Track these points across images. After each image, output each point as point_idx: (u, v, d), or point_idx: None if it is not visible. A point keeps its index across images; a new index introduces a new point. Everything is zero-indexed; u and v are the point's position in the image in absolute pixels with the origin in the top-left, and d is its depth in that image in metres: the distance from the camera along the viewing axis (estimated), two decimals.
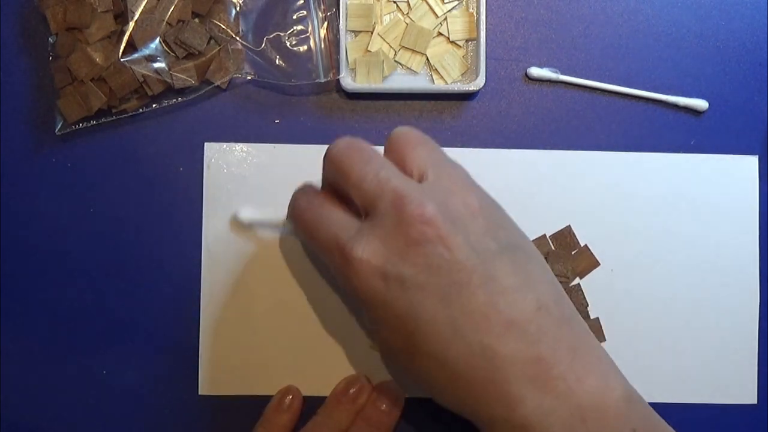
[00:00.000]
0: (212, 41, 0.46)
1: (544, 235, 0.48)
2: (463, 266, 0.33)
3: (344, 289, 0.36)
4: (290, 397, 0.45)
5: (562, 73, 0.48)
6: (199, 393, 0.47)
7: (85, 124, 0.46)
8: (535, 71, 0.48)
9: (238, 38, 0.47)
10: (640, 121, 0.48)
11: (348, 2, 0.47)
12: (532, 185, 0.48)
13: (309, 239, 0.38)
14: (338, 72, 0.47)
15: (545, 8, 0.49)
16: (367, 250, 0.34)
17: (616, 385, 0.35)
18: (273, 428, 0.45)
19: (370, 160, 0.36)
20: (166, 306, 0.47)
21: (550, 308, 0.34)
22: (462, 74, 0.47)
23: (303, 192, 0.40)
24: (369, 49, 0.47)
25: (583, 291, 0.47)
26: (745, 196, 0.48)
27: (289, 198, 0.47)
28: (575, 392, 0.33)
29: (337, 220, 0.36)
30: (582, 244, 0.48)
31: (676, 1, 0.49)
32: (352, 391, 0.45)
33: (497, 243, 0.35)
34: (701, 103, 0.48)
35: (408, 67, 0.48)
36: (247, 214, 0.46)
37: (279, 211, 0.45)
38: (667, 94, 0.48)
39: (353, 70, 0.47)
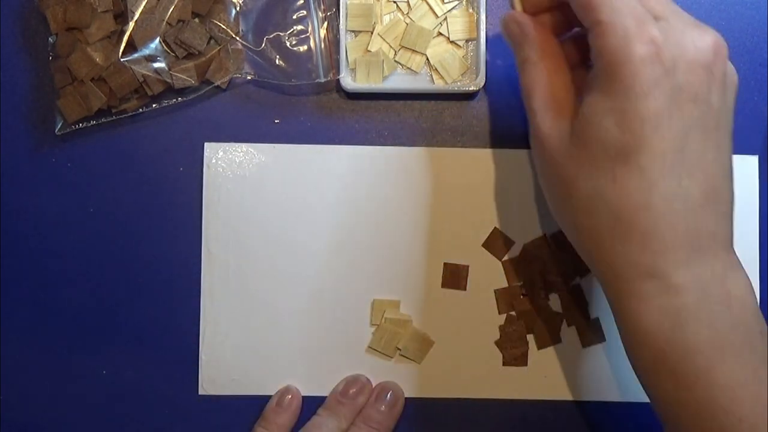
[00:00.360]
0: (212, 41, 0.46)
1: (544, 235, 0.48)
2: (716, 116, 0.34)
3: (606, 47, 0.33)
4: (289, 396, 0.45)
5: None
6: (199, 393, 0.47)
7: (85, 124, 0.46)
8: None
9: (238, 38, 0.47)
10: None
11: (348, 2, 0.47)
12: (532, 185, 0.48)
13: None
14: (338, 72, 0.47)
15: None
16: (662, 36, 0.33)
17: (754, 295, 0.36)
18: (272, 427, 0.45)
19: None
20: (166, 306, 0.47)
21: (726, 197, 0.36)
22: (462, 74, 0.47)
23: None
24: (369, 49, 0.47)
25: (583, 291, 0.47)
26: (745, 196, 0.48)
27: (290, 196, 0.47)
28: (728, 278, 0.35)
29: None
30: None
31: (676, 1, 0.49)
32: (352, 391, 0.45)
33: (733, 124, 0.36)
34: None
35: (408, 67, 0.48)
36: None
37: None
38: None
39: (353, 70, 0.47)
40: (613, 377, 0.47)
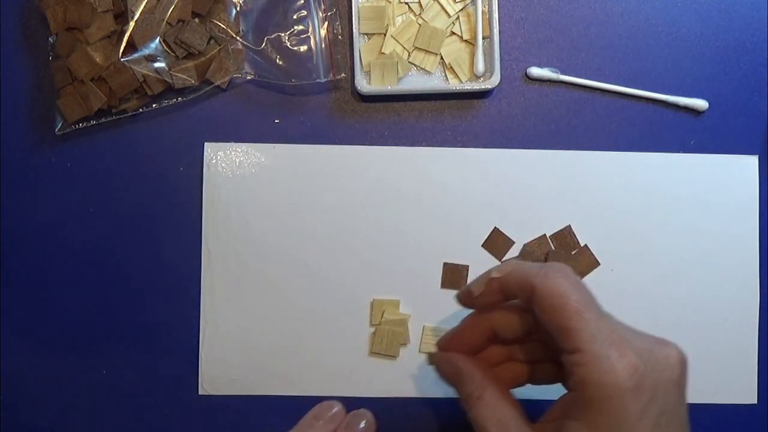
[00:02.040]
0: (212, 41, 0.46)
1: (544, 235, 0.48)
2: (682, 420, 0.34)
3: (588, 378, 0.33)
4: (334, 410, 0.41)
5: (562, 73, 0.48)
6: (199, 393, 0.47)
7: (85, 124, 0.46)
8: (535, 71, 0.48)
9: (238, 38, 0.47)
10: (640, 121, 0.48)
11: (360, 5, 0.47)
12: (532, 185, 0.48)
13: (572, 312, 0.34)
14: (338, 72, 0.47)
15: (545, 8, 0.49)
16: (643, 364, 0.33)
17: None
18: None
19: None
20: (166, 306, 0.47)
21: None
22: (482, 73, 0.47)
23: (569, 268, 0.36)
24: (383, 51, 0.47)
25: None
26: (745, 196, 0.48)
27: (290, 196, 0.47)
28: None
29: (611, 319, 0.35)
30: (582, 244, 0.48)
31: (676, 1, 0.49)
32: (328, 415, 0.43)
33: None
34: (701, 103, 0.48)
35: (422, 68, 0.48)
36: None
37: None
38: (667, 94, 0.48)
39: (368, 73, 0.47)
40: None
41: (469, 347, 0.39)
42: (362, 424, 0.41)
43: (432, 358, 0.41)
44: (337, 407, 0.41)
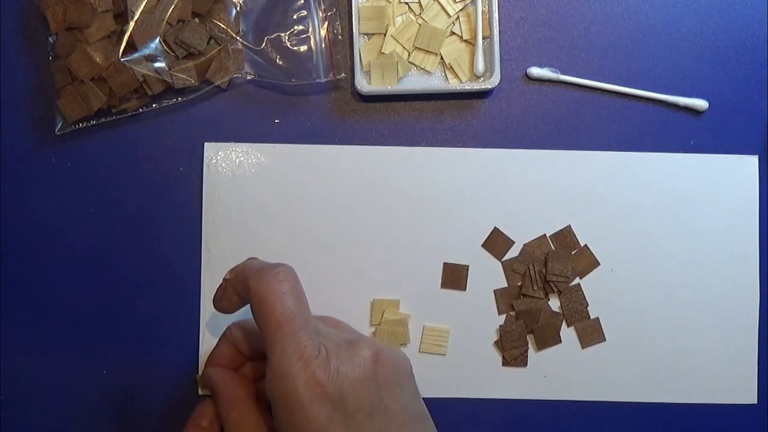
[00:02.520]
0: (212, 41, 0.46)
1: (544, 235, 0.48)
2: (397, 419, 0.35)
3: (277, 390, 0.34)
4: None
5: (562, 73, 0.48)
6: (199, 393, 0.47)
7: (85, 124, 0.46)
8: (535, 71, 0.48)
9: (238, 38, 0.47)
10: (640, 121, 0.48)
11: (360, 5, 0.47)
12: (532, 185, 0.48)
13: (271, 320, 0.34)
14: (339, 72, 0.47)
15: (545, 8, 0.49)
16: (325, 374, 0.34)
17: None
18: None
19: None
20: (166, 306, 0.47)
21: None
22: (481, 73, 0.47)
23: (287, 270, 0.36)
24: (383, 51, 0.47)
25: (583, 291, 0.47)
26: (745, 196, 0.48)
27: (290, 196, 0.47)
28: None
29: (310, 325, 0.35)
30: (582, 244, 0.48)
31: (676, 1, 0.49)
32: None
33: (420, 408, 0.38)
34: (701, 103, 0.48)
35: (422, 68, 0.48)
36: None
37: None
38: (667, 94, 0.48)
39: (368, 73, 0.47)
40: (613, 377, 0.47)
41: (227, 363, 0.40)
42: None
43: (200, 379, 0.43)
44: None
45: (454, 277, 0.47)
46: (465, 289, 0.47)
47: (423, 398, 0.47)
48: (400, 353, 0.38)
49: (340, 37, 0.47)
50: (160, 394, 0.47)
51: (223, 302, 0.38)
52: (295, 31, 0.47)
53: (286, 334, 0.34)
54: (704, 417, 0.47)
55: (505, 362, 0.47)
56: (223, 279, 0.38)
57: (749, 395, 0.47)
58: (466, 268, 0.47)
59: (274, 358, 0.34)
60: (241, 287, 0.36)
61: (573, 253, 0.48)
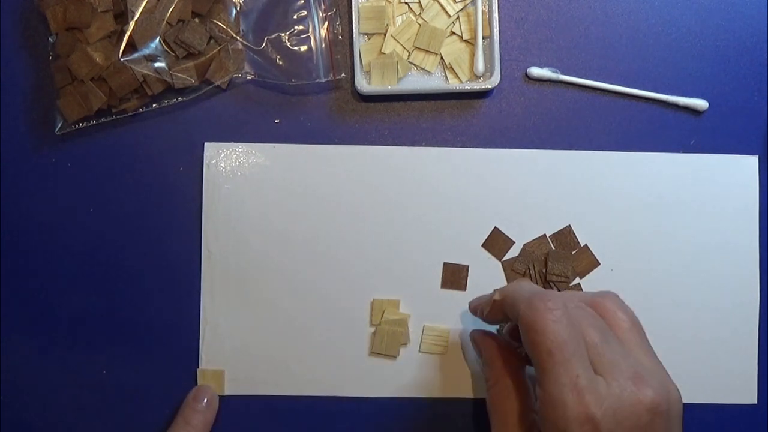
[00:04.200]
0: (212, 41, 0.46)
1: (544, 235, 0.48)
2: None
3: (548, 419, 0.33)
4: (206, 399, 0.46)
5: (562, 73, 0.48)
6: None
7: (85, 123, 0.46)
8: (535, 71, 0.48)
9: (238, 38, 0.47)
10: (640, 121, 0.48)
11: (360, 5, 0.47)
12: (532, 185, 0.48)
13: (542, 347, 0.34)
14: (339, 72, 0.47)
15: (545, 8, 0.49)
16: (600, 411, 0.33)
17: None
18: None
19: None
20: (166, 306, 0.47)
21: None
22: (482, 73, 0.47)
23: (557, 296, 0.35)
24: (383, 51, 0.47)
25: (583, 291, 0.47)
26: (745, 196, 0.48)
27: (290, 196, 0.47)
28: None
29: (581, 355, 0.34)
30: (582, 244, 0.48)
31: (676, 1, 0.49)
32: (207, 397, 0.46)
33: None
34: (701, 103, 0.48)
35: (422, 68, 0.48)
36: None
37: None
38: (667, 94, 0.48)
39: (368, 73, 0.47)
40: None
41: (493, 321, 0.41)
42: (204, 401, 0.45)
43: (471, 335, 0.44)
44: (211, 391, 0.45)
45: (454, 277, 0.47)
46: (465, 289, 0.47)
47: (422, 398, 0.47)
48: (677, 395, 0.36)
49: (340, 37, 0.47)
50: (160, 394, 0.47)
51: (490, 317, 0.39)
52: (295, 31, 0.47)
53: (557, 363, 0.33)
54: (704, 417, 0.47)
55: None
56: (491, 299, 0.39)
57: (749, 395, 0.47)
58: (466, 268, 0.47)
59: (547, 385, 0.33)
60: (509, 310, 0.36)
61: (573, 253, 0.47)
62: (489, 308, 0.39)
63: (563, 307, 0.35)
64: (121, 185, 0.48)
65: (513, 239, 0.47)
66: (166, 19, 0.45)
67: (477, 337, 0.43)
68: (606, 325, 0.36)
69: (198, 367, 0.47)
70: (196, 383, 0.47)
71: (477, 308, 0.42)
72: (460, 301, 0.47)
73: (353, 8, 0.47)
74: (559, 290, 0.47)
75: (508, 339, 0.42)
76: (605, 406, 0.33)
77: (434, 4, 0.48)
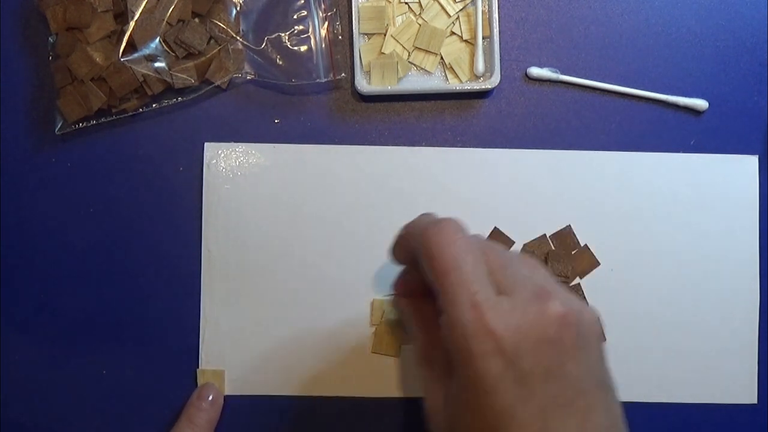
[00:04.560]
0: (212, 41, 0.46)
1: (544, 235, 0.48)
2: (576, 385, 0.32)
3: (450, 341, 0.32)
4: (210, 396, 0.46)
5: (562, 73, 0.48)
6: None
7: (85, 123, 0.46)
8: (535, 71, 0.48)
9: (238, 38, 0.47)
10: (640, 121, 0.48)
11: (360, 5, 0.47)
12: (532, 185, 0.48)
13: (438, 270, 0.33)
14: (339, 72, 0.47)
15: (545, 8, 0.49)
16: (502, 325, 0.31)
17: None
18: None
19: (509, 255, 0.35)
20: (166, 306, 0.47)
21: None
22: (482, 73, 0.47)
23: (453, 222, 0.35)
24: (383, 51, 0.47)
25: (583, 291, 0.47)
26: (745, 196, 0.48)
27: (290, 196, 0.47)
28: None
29: (480, 272, 0.33)
30: (582, 244, 0.48)
31: (676, 1, 0.49)
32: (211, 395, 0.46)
33: (604, 376, 0.34)
34: (701, 103, 0.48)
35: (422, 68, 0.48)
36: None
37: None
38: (667, 94, 0.48)
39: (368, 73, 0.47)
40: (612, 377, 0.47)
41: (414, 292, 0.40)
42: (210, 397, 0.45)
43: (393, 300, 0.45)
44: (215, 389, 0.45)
45: None
46: None
47: (422, 398, 0.47)
48: (591, 315, 0.34)
49: (340, 37, 0.47)
50: (160, 394, 0.47)
51: (399, 256, 0.38)
52: (295, 31, 0.47)
53: (455, 283, 0.32)
54: (704, 417, 0.47)
55: None
56: (397, 237, 0.37)
57: (749, 395, 0.47)
58: None
59: (447, 307, 0.32)
60: (412, 243, 0.35)
61: (573, 253, 0.48)
62: (396, 246, 0.38)
63: (459, 231, 0.34)
64: (121, 185, 0.48)
65: (513, 239, 0.47)
66: (166, 19, 0.45)
67: (395, 300, 0.41)
68: (511, 252, 0.35)
69: (198, 367, 0.47)
70: (196, 383, 0.47)
71: (390, 250, 0.40)
72: None
73: (353, 8, 0.47)
74: None
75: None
76: (507, 321, 0.31)
77: (434, 4, 0.48)
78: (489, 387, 0.31)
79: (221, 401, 0.46)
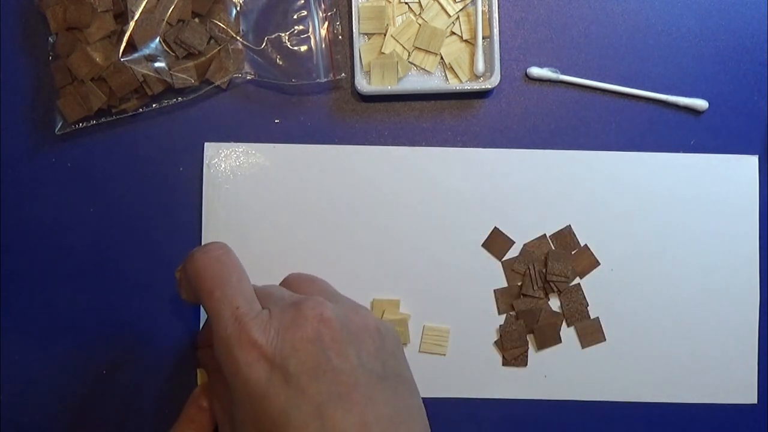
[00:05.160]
0: (212, 41, 0.46)
1: (544, 235, 0.48)
2: (348, 379, 0.33)
3: (218, 357, 0.33)
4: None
5: (562, 73, 0.48)
6: None
7: (85, 124, 0.46)
8: (535, 71, 0.48)
9: (238, 38, 0.47)
10: (640, 121, 0.48)
11: (360, 5, 0.47)
12: (532, 185, 0.48)
13: (204, 289, 0.35)
14: (339, 72, 0.47)
15: (545, 8, 0.49)
16: (263, 332, 0.33)
17: None
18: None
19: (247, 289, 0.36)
20: (166, 306, 0.47)
21: None
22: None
23: (219, 244, 0.37)
24: (383, 51, 0.47)
25: (583, 291, 0.47)
26: (745, 196, 0.48)
27: (290, 196, 0.47)
28: None
29: (244, 289, 0.35)
30: (582, 244, 0.48)
31: (676, 1, 0.49)
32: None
33: (384, 368, 0.35)
34: (701, 103, 0.48)
35: (422, 68, 0.48)
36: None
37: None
38: (667, 94, 0.48)
39: (368, 73, 0.47)
40: (613, 377, 0.47)
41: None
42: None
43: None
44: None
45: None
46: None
47: (423, 398, 0.47)
48: (361, 313, 0.36)
49: (340, 37, 0.47)
50: (160, 394, 0.47)
51: (183, 293, 0.39)
52: (295, 31, 0.47)
53: (218, 300, 0.34)
54: (704, 417, 0.47)
55: (505, 362, 0.47)
56: (177, 271, 0.38)
57: (749, 395, 0.47)
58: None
59: (214, 325, 0.34)
60: (184, 274, 0.37)
61: (573, 253, 0.48)
62: (178, 284, 0.39)
63: (223, 249, 0.35)
64: (121, 185, 0.48)
65: (513, 239, 0.47)
66: (166, 19, 0.45)
67: (199, 353, 0.42)
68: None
69: (198, 367, 0.47)
70: (197, 384, 0.47)
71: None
72: (460, 301, 0.47)
73: (353, 8, 0.47)
74: (559, 290, 0.47)
75: None
76: (267, 328, 0.33)
77: (434, 4, 0.48)
78: (260, 394, 0.32)
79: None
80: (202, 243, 0.47)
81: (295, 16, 0.47)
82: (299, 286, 0.38)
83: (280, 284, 0.39)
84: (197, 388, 0.43)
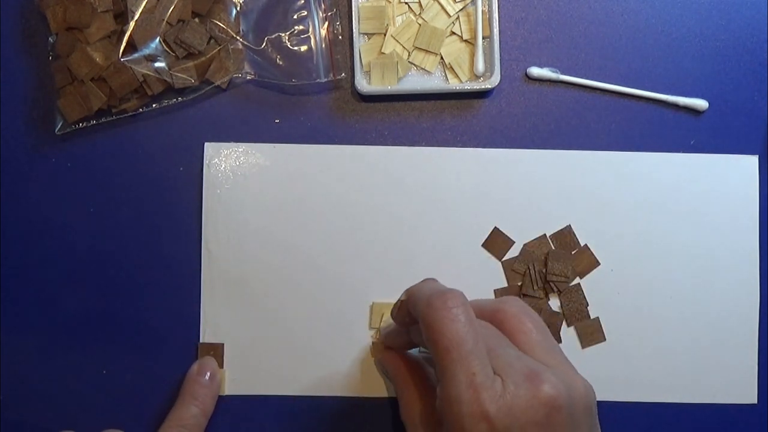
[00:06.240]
0: (212, 41, 0.46)
1: (544, 235, 0.48)
2: None
3: (445, 414, 0.34)
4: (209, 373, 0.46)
5: (562, 73, 0.48)
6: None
7: (85, 124, 0.46)
8: (535, 71, 0.48)
9: (238, 38, 0.47)
10: (640, 121, 0.48)
11: (360, 5, 0.47)
12: (532, 185, 0.48)
13: (440, 346, 0.34)
14: (339, 72, 0.47)
15: (545, 8, 0.49)
16: (495, 407, 0.33)
17: None
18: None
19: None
20: (166, 306, 0.47)
21: None
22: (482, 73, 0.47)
23: (457, 295, 0.36)
24: (383, 51, 0.47)
25: (583, 291, 0.47)
26: (745, 196, 0.48)
27: (290, 196, 0.47)
28: None
29: (480, 352, 0.34)
30: (582, 244, 0.48)
31: (676, 1, 0.49)
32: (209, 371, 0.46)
33: None
34: (701, 103, 0.48)
35: (422, 68, 0.48)
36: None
37: None
38: (667, 94, 0.48)
39: (368, 73, 0.47)
40: (613, 377, 0.47)
41: (400, 347, 0.44)
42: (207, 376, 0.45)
43: (375, 356, 0.47)
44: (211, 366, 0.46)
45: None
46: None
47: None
48: (582, 389, 0.36)
49: (340, 37, 0.48)
50: (160, 394, 0.47)
51: (398, 318, 0.40)
52: (296, 31, 0.47)
53: (454, 360, 0.33)
54: (704, 417, 0.47)
55: None
56: (399, 300, 0.39)
57: (749, 395, 0.47)
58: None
59: (445, 383, 0.34)
60: (413, 310, 0.37)
61: (573, 253, 0.48)
62: (397, 308, 0.40)
63: (462, 305, 0.35)
64: (121, 185, 0.48)
65: (513, 239, 0.47)
66: (166, 19, 0.45)
67: (381, 356, 0.45)
68: (498, 332, 0.37)
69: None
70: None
71: (391, 312, 0.42)
72: None
73: (353, 8, 0.47)
74: (559, 290, 0.47)
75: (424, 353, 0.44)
76: (500, 403, 0.33)
77: (434, 4, 0.48)
78: None
79: (219, 376, 0.46)
80: (202, 243, 0.47)
81: (295, 16, 0.47)
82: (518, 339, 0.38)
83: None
84: (195, 365, 0.46)
